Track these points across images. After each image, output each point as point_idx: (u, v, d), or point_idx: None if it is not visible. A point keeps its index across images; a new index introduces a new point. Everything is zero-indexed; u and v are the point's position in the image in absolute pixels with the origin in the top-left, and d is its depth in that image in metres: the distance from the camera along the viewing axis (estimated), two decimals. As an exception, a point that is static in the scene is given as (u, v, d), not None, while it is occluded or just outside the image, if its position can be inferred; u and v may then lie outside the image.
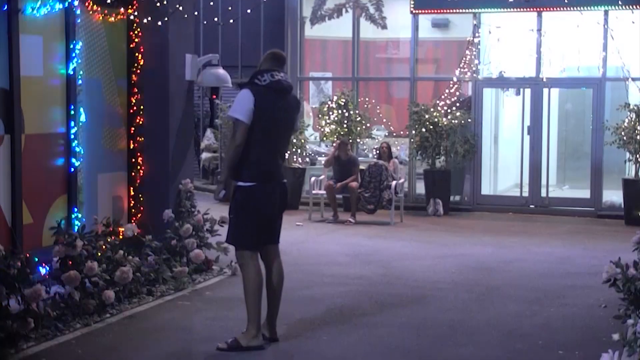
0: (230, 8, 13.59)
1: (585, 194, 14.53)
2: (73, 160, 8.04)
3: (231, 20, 13.13)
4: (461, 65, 14.76)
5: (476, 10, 14.67)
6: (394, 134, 16.43)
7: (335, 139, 14.93)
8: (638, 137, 13.15)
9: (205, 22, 14.62)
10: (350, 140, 14.51)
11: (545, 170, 14.67)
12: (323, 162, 13.69)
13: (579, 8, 13.93)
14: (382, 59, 17.38)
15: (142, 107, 8.84)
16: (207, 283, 8.51)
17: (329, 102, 15.08)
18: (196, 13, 9.72)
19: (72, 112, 8.01)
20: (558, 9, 14.15)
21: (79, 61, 8.10)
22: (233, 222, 6.23)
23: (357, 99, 15.45)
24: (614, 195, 14.19)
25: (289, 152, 15.03)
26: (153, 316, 7.17)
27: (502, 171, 15.89)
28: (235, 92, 19.56)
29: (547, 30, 14.43)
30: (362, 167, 13.82)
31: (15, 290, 6.09)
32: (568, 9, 13.95)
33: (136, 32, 8.77)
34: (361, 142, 15.58)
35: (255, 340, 6.13)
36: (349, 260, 9.99)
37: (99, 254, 7.20)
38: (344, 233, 12.26)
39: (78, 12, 8.00)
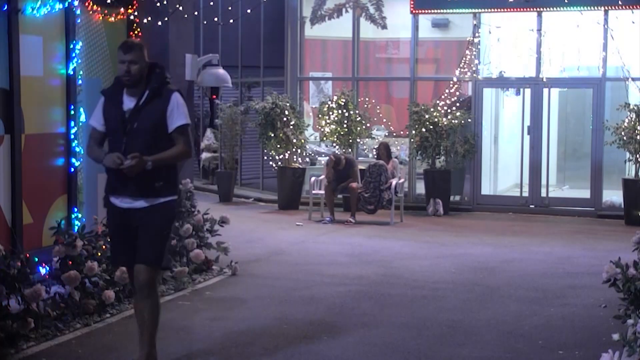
0: (230, 8, 13.58)
1: (585, 194, 14.54)
2: (73, 160, 8.04)
3: (231, 20, 13.12)
4: (461, 65, 14.76)
5: (476, 10, 14.67)
6: (394, 134, 16.43)
7: (336, 139, 14.94)
8: (638, 137, 13.15)
9: (205, 22, 14.62)
10: (344, 152, 14.47)
11: (545, 170, 14.68)
12: (324, 176, 13.64)
13: (579, 8, 13.93)
14: (382, 59, 17.39)
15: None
16: (207, 283, 8.51)
17: (329, 102, 15.08)
18: (196, 13, 9.72)
19: (72, 112, 8.01)
20: (558, 9, 14.16)
21: (79, 61, 8.10)
22: (165, 240, 5.46)
23: (357, 99, 15.45)
24: (614, 195, 14.20)
25: (289, 152, 15.07)
26: (153, 316, 7.16)
27: (502, 171, 15.90)
28: (235, 92, 19.43)
29: (547, 30, 14.44)
30: (361, 167, 13.82)
31: (15, 290, 6.09)
32: (568, 9, 13.95)
33: (136, 32, 8.77)
34: (361, 142, 15.59)
35: None
36: (349, 260, 9.99)
37: (99, 254, 7.19)
38: (344, 233, 12.26)
39: (78, 12, 8.00)
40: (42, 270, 7.13)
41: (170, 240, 5.58)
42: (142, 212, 5.35)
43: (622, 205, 13.63)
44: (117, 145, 5.34)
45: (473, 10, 14.69)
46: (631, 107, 13.33)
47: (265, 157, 15.91)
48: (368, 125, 15.27)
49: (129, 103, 5.38)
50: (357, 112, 15.04)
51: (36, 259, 7.02)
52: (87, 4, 8.14)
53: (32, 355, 5.98)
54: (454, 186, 14.63)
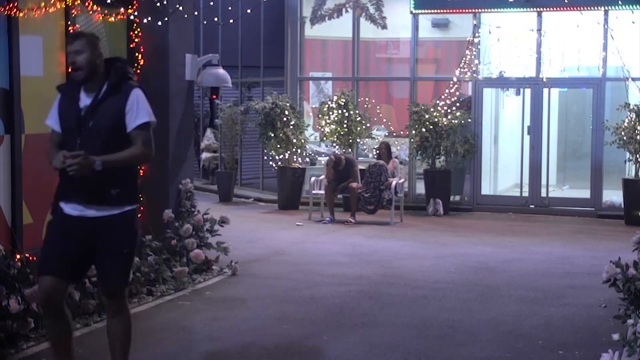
0: (230, 8, 13.58)
1: (585, 194, 14.54)
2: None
3: (231, 20, 13.10)
4: (461, 65, 14.76)
5: (476, 10, 14.68)
6: (394, 134, 16.44)
7: (336, 139, 14.95)
8: (638, 137, 13.16)
9: (205, 22, 14.61)
10: (344, 152, 14.47)
11: (545, 170, 14.68)
12: (323, 176, 13.66)
13: (579, 8, 13.93)
14: (382, 59, 17.39)
15: (142, 107, 8.82)
16: (207, 283, 8.51)
17: (329, 102, 15.09)
18: (196, 13, 9.70)
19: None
20: (558, 9, 14.16)
21: (79, 61, 8.08)
22: (129, 257, 4.94)
23: (357, 99, 15.46)
24: (614, 195, 14.20)
25: (289, 152, 15.06)
26: (153, 316, 7.17)
27: (502, 171, 15.90)
28: (235, 92, 19.35)
29: (547, 30, 14.44)
30: (361, 167, 13.83)
31: (15, 290, 6.09)
32: (568, 9, 13.95)
33: (136, 32, 8.77)
34: (361, 142, 15.59)
35: None
36: (349, 260, 9.99)
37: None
38: (344, 233, 12.26)
39: (78, 12, 8.00)
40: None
41: (133, 256, 4.99)
42: (96, 226, 4.78)
43: (622, 205, 13.63)
44: (71, 146, 4.77)
45: (473, 10, 14.70)
46: (631, 107, 13.33)
47: (265, 157, 15.92)
48: (368, 125, 15.27)
49: (85, 100, 4.84)
50: (357, 112, 15.04)
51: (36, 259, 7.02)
52: (87, 4, 8.14)
53: (32, 355, 5.98)
54: (454, 186, 14.64)
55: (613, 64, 14.05)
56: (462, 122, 14.48)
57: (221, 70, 10.62)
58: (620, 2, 13.55)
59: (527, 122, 14.81)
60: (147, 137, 4.84)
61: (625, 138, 13.28)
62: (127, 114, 4.79)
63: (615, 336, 4.87)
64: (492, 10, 14.70)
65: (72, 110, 4.86)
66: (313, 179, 14.09)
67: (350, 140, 15.00)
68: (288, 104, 15.00)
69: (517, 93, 15.32)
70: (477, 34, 14.73)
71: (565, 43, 14.38)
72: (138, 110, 4.81)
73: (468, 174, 15.01)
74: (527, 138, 14.79)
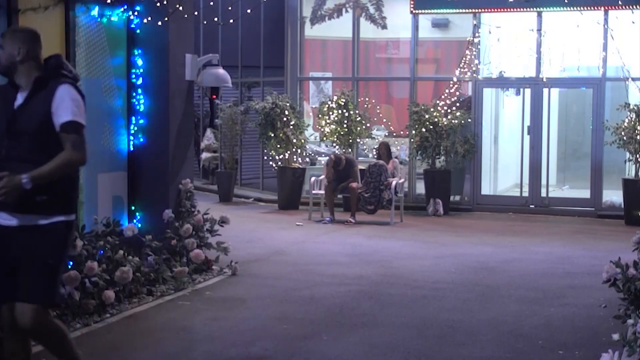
0: (230, 8, 13.57)
1: (585, 194, 14.55)
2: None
3: (231, 20, 13.10)
4: (461, 65, 14.77)
5: (476, 10, 14.68)
6: (394, 134, 16.44)
7: (336, 139, 14.95)
8: (638, 137, 13.16)
9: (205, 22, 14.60)
10: (344, 152, 14.47)
11: (545, 170, 14.69)
12: (323, 176, 13.65)
13: (579, 8, 13.93)
14: (382, 59, 17.39)
15: (142, 107, 8.83)
16: (207, 283, 8.51)
17: (329, 102, 15.09)
18: (196, 13, 9.70)
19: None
20: (558, 9, 14.16)
21: (79, 61, 8.09)
22: (54, 270, 4.44)
23: (357, 99, 15.46)
24: (614, 195, 14.21)
25: (289, 152, 15.05)
26: (153, 316, 7.17)
27: (502, 171, 15.91)
28: (235, 92, 19.33)
29: (547, 30, 14.45)
30: (361, 167, 13.83)
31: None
32: (568, 9, 13.95)
33: (136, 32, 8.76)
34: (361, 142, 15.59)
35: None
36: (349, 260, 9.99)
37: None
38: (344, 233, 12.26)
39: (78, 12, 8.00)
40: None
41: (61, 271, 4.57)
42: (22, 235, 4.37)
43: (622, 205, 13.64)
44: None
45: (473, 10, 14.70)
46: (631, 107, 13.34)
47: (265, 157, 15.92)
48: (368, 125, 15.27)
49: (20, 100, 4.48)
50: (357, 112, 15.05)
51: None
52: (87, 4, 8.13)
53: (32, 355, 5.96)
54: (454, 186, 14.64)
55: (613, 64, 14.05)
56: (462, 122, 14.49)
57: (221, 70, 10.61)
58: (620, 2, 13.54)
59: (527, 122, 14.82)
60: (77, 139, 4.39)
61: (625, 138, 13.29)
62: (53, 114, 4.40)
63: (615, 336, 4.87)
64: (492, 10, 14.70)
65: (6, 112, 4.47)
66: (313, 179, 14.09)
67: (350, 140, 15.00)
68: (288, 104, 15.00)
69: (517, 93, 15.33)
70: (477, 34, 14.73)
71: (565, 43, 14.38)
72: (63, 108, 4.38)
73: (468, 174, 15.02)
74: (527, 138, 14.80)
